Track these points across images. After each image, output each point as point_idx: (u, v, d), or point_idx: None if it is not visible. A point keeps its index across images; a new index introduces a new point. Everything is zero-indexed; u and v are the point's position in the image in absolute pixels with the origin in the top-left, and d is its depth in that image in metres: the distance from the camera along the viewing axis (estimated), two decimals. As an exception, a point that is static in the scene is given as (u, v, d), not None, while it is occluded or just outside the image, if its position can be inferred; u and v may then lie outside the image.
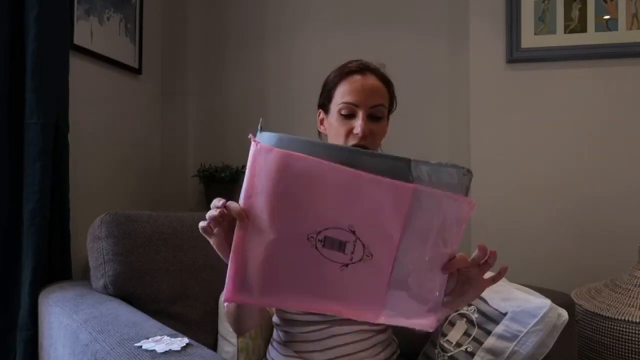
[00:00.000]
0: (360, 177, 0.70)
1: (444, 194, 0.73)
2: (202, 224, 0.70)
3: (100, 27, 1.72)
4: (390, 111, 1.04)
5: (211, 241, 0.72)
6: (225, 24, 2.16)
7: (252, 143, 0.70)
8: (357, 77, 0.98)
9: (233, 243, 0.69)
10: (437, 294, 0.73)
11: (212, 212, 0.69)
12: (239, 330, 0.95)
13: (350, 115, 0.97)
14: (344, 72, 0.99)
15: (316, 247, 0.71)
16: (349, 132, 0.96)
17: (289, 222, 0.71)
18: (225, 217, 0.69)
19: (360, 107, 0.96)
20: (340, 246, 0.71)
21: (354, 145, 0.96)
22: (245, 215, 0.68)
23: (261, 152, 0.69)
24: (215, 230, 0.70)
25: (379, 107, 0.97)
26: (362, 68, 0.99)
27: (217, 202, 0.70)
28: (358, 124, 0.95)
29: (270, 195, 0.69)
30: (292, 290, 0.71)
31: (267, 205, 0.69)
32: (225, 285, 0.69)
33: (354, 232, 0.71)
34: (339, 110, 0.97)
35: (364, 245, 0.71)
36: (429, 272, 0.72)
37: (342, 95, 0.97)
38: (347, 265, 0.71)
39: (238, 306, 0.86)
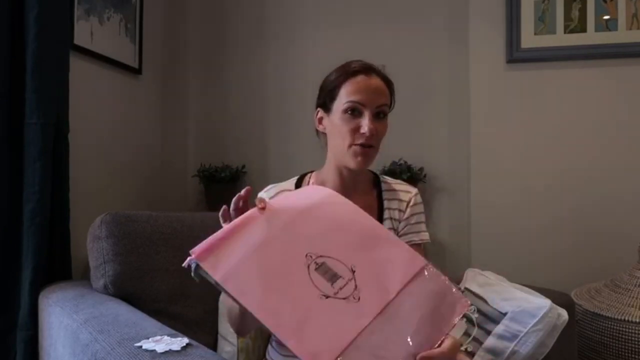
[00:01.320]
0: (383, 232, 0.76)
1: (450, 283, 0.76)
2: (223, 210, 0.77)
3: (100, 27, 1.72)
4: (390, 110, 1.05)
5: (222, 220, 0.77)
6: (225, 24, 2.16)
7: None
8: (362, 77, 0.99)
9: (239, 218, 0.72)
10: None
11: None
12: (239, 331, 0.95)
13: (355, 115, 0.97)
14: (349, 72, 1.00)
15: (308, 267, 0.70)
16: (355, 131, 0.97)
17: (300, 232, 0.72)
18: (245, 200, 0.75)
19: (366, 107, 0.97)
20: (332, 278, 0.71)
21: (360, 144, 0.97)
22: (265, 205, 0.73)
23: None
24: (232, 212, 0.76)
25: (383, 106, 0.99)
26: (367, 68, 1.00)
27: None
28: (365, 124, 0.96)
29: (296, 207, 0.74)
30: (256, 289, 0.67)
31: (289, 210, 0.73)
32: (201, 243, 0.68)
33: (353, 272, 0.72)
34: (345, 110, 0.98)
35: (356, 286, 0.71)
36: (402, 349, 0.69)
37: (347, 94, 0.98)
38: (327, 297, 0.69)
39: (239, 308, 0.85)
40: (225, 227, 0.70)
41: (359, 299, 0.70)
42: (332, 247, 0.72)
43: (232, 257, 0.67)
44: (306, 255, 0.71)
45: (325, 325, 0.67)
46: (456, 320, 0.75)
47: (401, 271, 0.73)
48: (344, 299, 0.70)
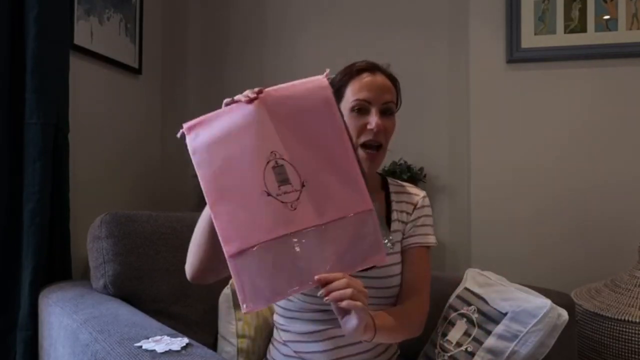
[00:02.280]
0: (351, 168, 0.80)
1: (380, 239, 0.82)
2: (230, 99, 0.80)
3: (100, 27, 1.72)
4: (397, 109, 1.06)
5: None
6: (225, 23, 2.16)
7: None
8: (367, 75, 0.99)
9: (233, 106, 0.79)
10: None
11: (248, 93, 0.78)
12: (199, 264, 0.88)
13: (362, 113, 0.98)
14: (355, 71, 1.00)
15: (267, 163, 0.75)
16: (363, 128, 0.97)
17: (278, 129, 0.77)
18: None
19: (373, 104, 0.97)
20: (283, 181, 0.76)
21: (368, 141, 0.97)
22: (261, 91, 0.79)
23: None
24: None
25: (389, 103, 1.00)
26: (372, 66, 1.01)
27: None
28: (373, 120, 0.96)
29: (288, 104, 0.80)
30: (213, 165, 0.75)
31: (281, 105, 0.80)
32: (195, 119, 0.78)
33: (303, 185, 0.77)
34: (351, 108, 0.98)
35: (299, 198, 0.76)
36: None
37: (354, 92, 0.98)
38: (269, 194, 0.74)
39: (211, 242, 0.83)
40: (218, 110, 0.77)
41: (295, 208, 0.75)
42: (297, 157, 0.77)
43: (209, 135, 0.75)
44: (271, 152, 0.76)
45: (254, 216, 0.73)
46: (365, 264, 0.80)
47: (343, 204, 0.77)
48: (282, 202, 0.75)
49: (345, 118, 0.99)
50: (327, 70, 0.83)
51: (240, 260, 0.72)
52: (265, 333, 1.24)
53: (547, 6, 1.83)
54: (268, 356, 1.11)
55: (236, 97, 0.79)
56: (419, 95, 1.94)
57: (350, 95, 0.98)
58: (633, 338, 1.37)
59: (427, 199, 1.11)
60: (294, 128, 0.78)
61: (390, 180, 1.13)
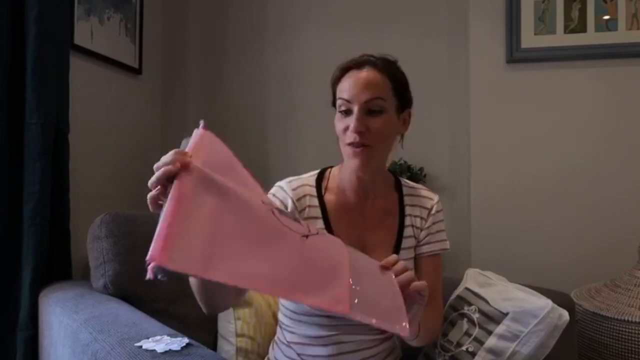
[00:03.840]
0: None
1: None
2: (152, 194, 0.62)
3: (101, 27, 1.72)
4: (403, 103, 0.99)
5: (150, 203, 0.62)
6: (225, 24, 2.16)
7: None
8: (353, 72, 0.95)
9: (173, 192, 0.56)
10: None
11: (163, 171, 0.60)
12: (209, 308, 0.84)
13: (347, 112, 0.94)
14: (343, 68, 0.97)
15: (273, 212, 0.62)
16: (346, 130, 0.94)
17: (243, 182, 0.64)
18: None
19: (353, 103, 0.92)
20: (294, 215, 0.69)
21: (349, 144, 0.92)
22: (189, 159, 0.59)
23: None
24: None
25: (375, 100, 0.92)
26: (361, 62, 0.96)
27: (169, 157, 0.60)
28: (351, 122, 0.91)
29: (221, 162, 0.63)
30: (243, 261, 0.56)
31: (217, 165, 0.62)
32: (153, 242, 0.53)
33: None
34: (338, 108, 0.96)
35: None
36: None
37: (338, 92, 0.96)
38: (307, 236, 0.63)
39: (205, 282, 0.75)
40: (165, 211, 0.55)
41: (317, 232, 0.68)
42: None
43: (197, 242, 0.54)
44: (262, 202, 0.64)
45: (322, 266, 0.64)
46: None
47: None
48: (316, 234, 0.67)
49: (336, 118, 0.97)
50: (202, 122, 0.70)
51: None
52: (264, 332, 1.24)
53: (547, 6, 1.83)
54: (270, 356, 1.11)
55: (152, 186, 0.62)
56: (419, 95, 1.92)
57: (338, 94, 0.96)
58: (633, 338, 1.36)
59: (440, 204, 1.07)
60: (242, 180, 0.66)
61: (403, 181, 1.09)
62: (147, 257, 0.52)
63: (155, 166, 0.61)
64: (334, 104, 1.00)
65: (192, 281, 0.79)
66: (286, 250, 0.61)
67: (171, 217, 0.53)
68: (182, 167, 0.58)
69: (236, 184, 0.62)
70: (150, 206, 0.63)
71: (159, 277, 0.54)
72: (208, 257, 0.54)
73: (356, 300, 0.63)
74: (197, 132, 0.67)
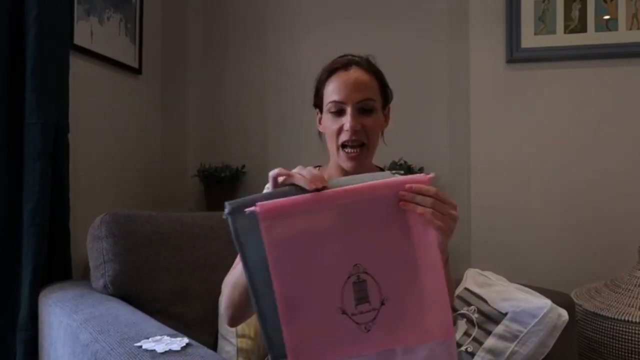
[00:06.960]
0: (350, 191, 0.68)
1: None
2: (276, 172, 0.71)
3: (101, 27, 1.72)
4: (386, 101, 1.02)
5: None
6: (225, 24, 2.16)
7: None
8: (341, 73, 0.97)
9: (312, 194, 0.66)
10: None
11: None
12: (235, 319, 0.86)
13: (339, 113, 0.96)
14: (330, 70, 0.99)
15: (349, 277, 0.67)
16: (340, 130, 0.96)
17: (362, 235, 0.68)
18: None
19: (346, 104, 0.95)
20: (361, 299, 0.67)
21: (345, 142, 0.95)
22: (324, 185, 0.67)
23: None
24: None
25: (366, 100, 0.95)
26: (347, 63, 0.98)
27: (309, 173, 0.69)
28: (347, 121, 0.94)
29: (362, 206, 0.67)
30: (290, 273, 0.65)
31: (356, 203, 0.67)
32: (270, 201, 0.64)
33: (382, 304, 0.68)
34: (329, 109, 0.97)
35: (374, 319, 0.68)
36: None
37: (329, 94, 0.97)
38: (344, 313, 0.67)
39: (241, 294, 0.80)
40: (299, 197, 0.66)
41: (368, 330, 0.68)
42: (382, 271, 0.68)
43: (289, 230, 0.65)
44: (355, 265, 0.68)
45: (325, 334, 0.66)
46: None
47: (422, 329, 0.69)
48: (357, 323, 0.67)
49: (326, 119, 0.98)
50: (432, 174, 0.73)
51: None
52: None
53: (547, 6, 1.83)
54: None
55: (296, 179, 0.69)
56: (419, 95, 1.94)
57: (327, 96, 0.97)
58: (633, 338, 1.37)
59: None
60: (381, 236, 0.69)
61: (393, 174, 1.10)
62: (257, 202, 0.63)
63: (298, 170, 0.70)
64: (315, 105, 1.03)
65: (235, 282, 0.80)
66: (318, 303, 0.67)
67: (290, 203, 0.65)
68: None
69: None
70: (271, 180, 0.71)
71: (231, 217, 0.64)
72: (279, 246, 0.65)
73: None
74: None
